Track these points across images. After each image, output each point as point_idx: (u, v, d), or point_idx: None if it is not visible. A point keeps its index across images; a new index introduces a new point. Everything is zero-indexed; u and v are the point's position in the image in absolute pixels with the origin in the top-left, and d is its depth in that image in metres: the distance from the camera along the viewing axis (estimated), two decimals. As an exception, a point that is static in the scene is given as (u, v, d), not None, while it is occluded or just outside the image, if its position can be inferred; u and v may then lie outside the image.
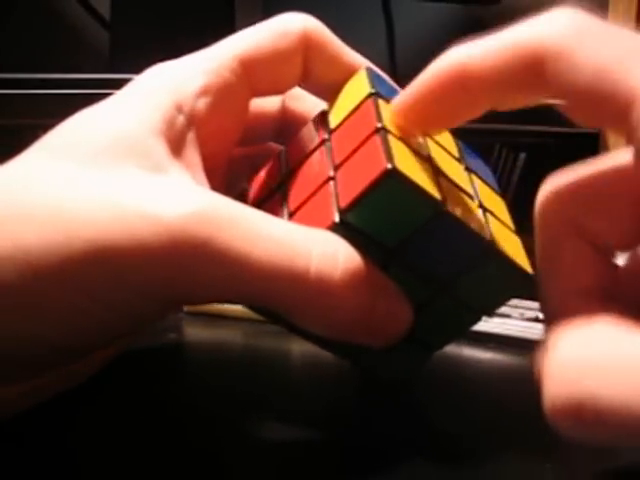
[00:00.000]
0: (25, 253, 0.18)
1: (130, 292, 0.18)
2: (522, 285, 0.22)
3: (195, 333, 0.30)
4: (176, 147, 0.21)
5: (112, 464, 0.21)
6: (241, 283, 0.19)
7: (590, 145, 0.70)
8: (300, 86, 0.26)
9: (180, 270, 0.18)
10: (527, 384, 0.24)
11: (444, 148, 0.24)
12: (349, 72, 0.25)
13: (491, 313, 0.25)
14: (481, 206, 0.23)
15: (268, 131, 0.27)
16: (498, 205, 0.25)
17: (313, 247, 0.19)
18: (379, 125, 0.21)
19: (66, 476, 0.20)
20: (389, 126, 0.22)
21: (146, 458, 0.21)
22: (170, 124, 0.21)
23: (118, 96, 0.22)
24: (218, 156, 0.24)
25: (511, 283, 0.22)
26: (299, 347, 0.29)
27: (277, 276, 0.19)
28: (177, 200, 0.18)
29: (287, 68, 0.24)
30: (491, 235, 0.22)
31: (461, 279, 0.22)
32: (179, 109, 0.22)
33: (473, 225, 0.21)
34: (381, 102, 0.23)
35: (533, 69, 0.19)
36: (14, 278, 0.18)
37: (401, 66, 0.97)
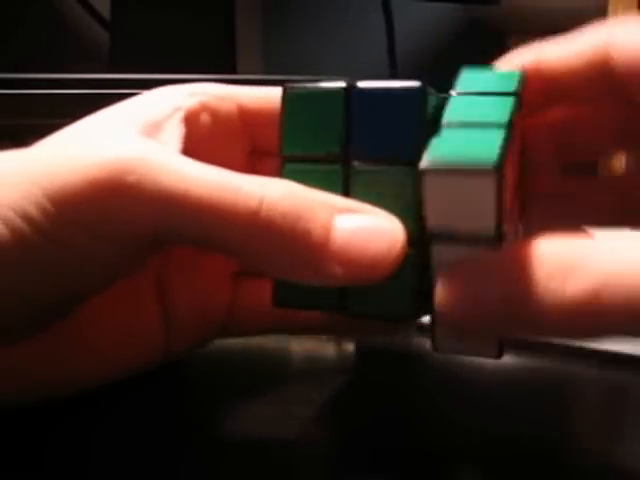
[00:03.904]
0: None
1: (73, 228, 0.19)
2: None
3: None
4: (153, 126, 0.22)
5: (111, 463, 0.21)
6: (174, 217, 0.19)
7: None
8: None
9: (112, 205, 0.19)
10: (528, 385, 0.24)
11: None
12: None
13: None
14: None
15: None
16: None
17: (242, 178, 0.19)
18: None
19: (63, 473, 0.20)
20: None
21: (144, 458, 0.21)
22: (151, 108, 0.22)
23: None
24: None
25: None
26: (299, 347, 0.29)
27: (208, 205, 0.19)
28: (107, 143, 0.20)
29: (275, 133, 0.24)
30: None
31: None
32: (166, 97, 0.23)
33: (395, 85, 0.21)
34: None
35: (602, 63, 0.21)
36: None
37: (401, 66, 0.97)
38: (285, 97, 0.22)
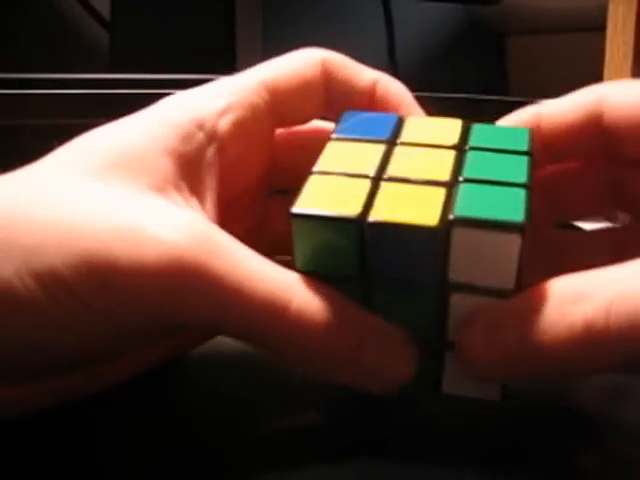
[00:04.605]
0: (24, 254, 0.18)
1: (118, 303, 0.19)
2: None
3: (195, 333, 0.30)
4: (190, 163, 0.22)
5: (110, 463, 0.21)
6: (227, 312, 0.19)
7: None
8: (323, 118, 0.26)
9: (170, 292, 0.19)
10: (527, 385, 0.24)
11: (427, 145, 0.23)
12: (368, 100, 0.25)
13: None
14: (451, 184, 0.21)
15: (314, 104, 0.26)
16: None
17: (295, 286, 0.20)
18: (312, 169, 0.21)
19: (61, 472, 0.20)
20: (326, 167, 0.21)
21: (144, 458, 0.21)
22: (186, 140, 0.22)
23: (138, 114, 0.22)
24: (243, 180, 0.24)
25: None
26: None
27: (261, 309, 0.19)
28: (174, 224, 0.19)
29: (310, 96, 0.25)
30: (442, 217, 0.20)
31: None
32: (199, 126, 0.22)
33: (409, 220, 0.20)
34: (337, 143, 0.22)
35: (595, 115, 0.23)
36: (10, 275, 0.18)
37: (401, 66, 0.97)
38: (292, 222, 0.21)
